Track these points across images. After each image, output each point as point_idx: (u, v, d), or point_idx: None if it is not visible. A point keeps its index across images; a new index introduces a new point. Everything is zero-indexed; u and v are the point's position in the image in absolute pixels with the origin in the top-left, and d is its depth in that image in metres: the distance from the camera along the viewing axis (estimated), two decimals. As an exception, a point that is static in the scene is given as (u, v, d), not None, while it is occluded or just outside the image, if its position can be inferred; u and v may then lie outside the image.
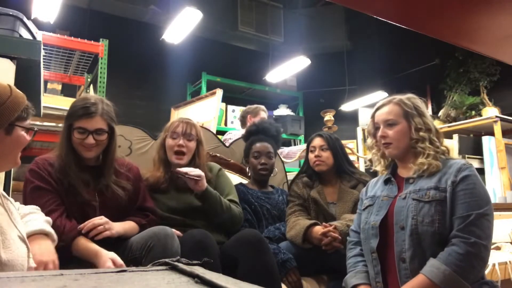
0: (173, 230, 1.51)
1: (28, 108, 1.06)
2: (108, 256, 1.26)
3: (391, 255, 1.31)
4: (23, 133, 1.05)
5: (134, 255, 1.33)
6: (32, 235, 1.10)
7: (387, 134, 1.41)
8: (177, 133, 1.76)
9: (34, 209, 1.23)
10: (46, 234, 1.14)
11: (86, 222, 1.34)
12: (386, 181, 1.46)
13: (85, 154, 1.46)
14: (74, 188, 1.41)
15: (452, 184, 1.26)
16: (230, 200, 1.78)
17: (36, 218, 1.17)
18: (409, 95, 1.45)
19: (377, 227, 1.34)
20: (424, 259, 1.23)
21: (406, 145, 1.39)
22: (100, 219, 1.36)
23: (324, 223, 1.69)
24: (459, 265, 1.16)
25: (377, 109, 1.47)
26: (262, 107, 3.27)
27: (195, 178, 1.63)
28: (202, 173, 1.67)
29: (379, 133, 1.43)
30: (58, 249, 1.17)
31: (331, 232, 1.63)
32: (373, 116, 1.48)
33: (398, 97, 1.44)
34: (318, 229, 1.66)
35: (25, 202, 1.32)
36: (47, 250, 1.10)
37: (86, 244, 1.31)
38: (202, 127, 2.29)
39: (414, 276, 1.22)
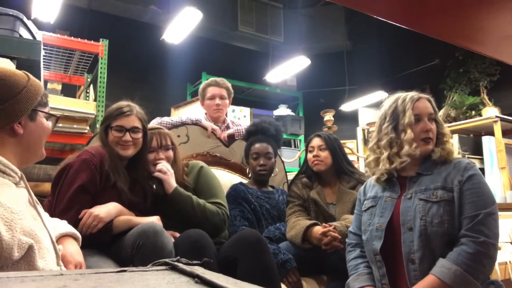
0: (170, 231, 1.50)
1: (46, 95, 1.07)
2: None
3: (398, 256, 1.30)
4: (45, 120, 1.05)
5: (126, 253, 1.34)
6: (64, 236, 1.16)
7: (431, 128, 1.36)
8: (154, 147, 1.70)
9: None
10: (75, 238, 1.19)
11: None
12: (387, 181, 1.44)
13: (122, 152, 1.53)
14: (116, 185, 1.48)
15: (459, 184, 1.26)
16: (214, 203, 1.70)
17: (63, 222, 1.22)
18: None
19: (382, 229, 1.33)
20: (433, 260, 1.22)
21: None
22: (88, 216, 1.37)
23: (323, 223, 1.69)
24: (470, 265, 1.16)
25: (416, 100, 1.38)
26: (209, 81, 2.46)
27: (157, 176, 1.64)
28: (168, 171, 1.65)
29: (426, 126, 1.35)
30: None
31: (331, 232, 1.63)
32: (412, 107, 1.36)
33: (421, 95, 1.42)
34: (318, 229, 1.66)
35: (63, 193, 1.39)
36: (79, 252, 1.16)
37: (122, 221, 1.43)
38: (202, 126, 2.29)
39: (423, 277, 1.21)
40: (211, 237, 1.56)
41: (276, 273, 1.53)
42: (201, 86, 2.48)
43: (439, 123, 1.40)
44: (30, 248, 0.86)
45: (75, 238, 1.19)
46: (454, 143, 1.40)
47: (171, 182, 1.63)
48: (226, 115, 2.53)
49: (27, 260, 0.85)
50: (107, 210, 1.41)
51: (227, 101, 2.43)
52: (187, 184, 1.73)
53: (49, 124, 1.07)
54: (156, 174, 1.63)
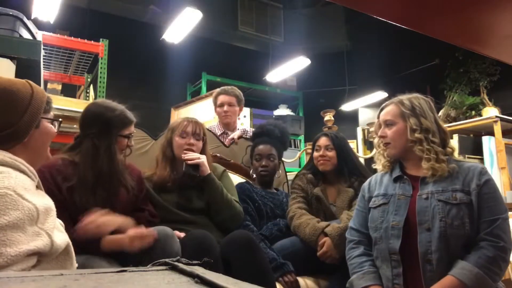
0: (175, 231, 1.51)
1: (49, 101, 1.07)
2: (129, 238, 1.28)
3: (413, 256, 1.29)
4: (49, 124, 1.06)
5: (134, 256, 1.33)
6: None
7: (386, 134, 1.44)
8: (187, 133, 1.79)
9: None
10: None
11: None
12: (396, 179, 1.44)
13: (120, 157, 1.51)
14: (93, 205, 1.37)
15: (477, 187, 1.28)
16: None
17: None
18: (413, 94, 1.45)
19: (400, 228, 1.32)
20: (450, 261, 1.23)
21: (403, 145, 1.40)
22: (91, 223, 1.30)
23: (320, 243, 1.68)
24: (490, 268, 1.18)
25: (382, 109, 1.49)
26: (219, 89, 2.66)
27: (195, 162, 1.72)
28: (202, 157, 1.75)
29: (379, 133, 1.46)
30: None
31: (327, 254, 1.64)
32: (378, 116, 1.51)
33: (400, 97, 1.45)
34: (322, 239, 1.67)
35: None
36: None
37: (109, 241, 1.32)
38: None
39: (440, 278, 1.22)
40: (224, 228, 1.71)
41: (270, 272, 1.54)
42: (213, 95, 2.66)
43: (409, 126, 1.38)
44: (68, 244, 0.95)
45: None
46: (444, 159, 1.35)
47: (207, 165, 1.76)
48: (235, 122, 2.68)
49: (66, 253, 0.94)
50: (108, 223, 1.35)
51: (236, 108, 2.61)
52: (216, 177, 1.83)
53: (52, 127, 1.08)
54: (191, 162, 1.72)
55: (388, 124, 1.44)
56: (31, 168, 0.96)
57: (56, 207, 1.30)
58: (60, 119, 1.11)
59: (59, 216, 1.29)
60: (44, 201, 0.92)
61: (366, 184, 1.57)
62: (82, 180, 1.40)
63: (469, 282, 1.16)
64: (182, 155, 1.74)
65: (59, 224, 0.98)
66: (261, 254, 1.53)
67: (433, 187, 1.33)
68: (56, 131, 1.09)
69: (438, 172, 1.32)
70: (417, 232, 1.29)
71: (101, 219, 1.33)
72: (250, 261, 1.47)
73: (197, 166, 1.73)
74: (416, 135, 1.36)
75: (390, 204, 1.39)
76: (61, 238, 0.93)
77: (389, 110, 1.45)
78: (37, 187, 1.00)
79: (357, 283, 1.37)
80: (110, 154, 1.44)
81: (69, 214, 1.35)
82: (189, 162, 1.72)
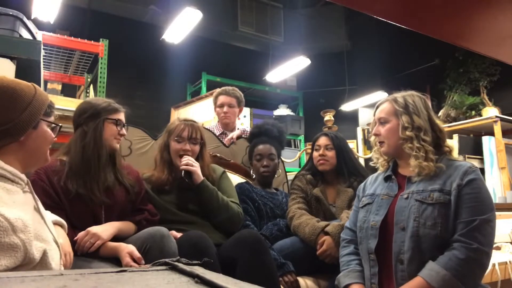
0: (172, 231, 1.51)
1: (51, 106, 1.07)
2: (126, 251, 1.31)
3: (389, 256, 1.29)
4: (48, 129, 1.06)
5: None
6: (54, 225, 1.15)
7: (380, 132, 1.42)
8: (183, 137, 1.75)
9: None
10: (61, 226, 1.20)
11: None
12: (386, 179, 1.44)
13: (115, 145, 1.54)
14: (83, 190, 1.40)
15: (457, 187, 1.23)
16: (233, 202, 1.78)
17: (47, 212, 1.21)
18: (409, 92, 1.43)
19: (377, 228, 1.32)
20: (422, 262, 1.21)
21: (395, 143, 1.37)
22: (85, 234, 1.33)
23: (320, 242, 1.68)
24: (459, 271, 1.14)
25: (377, 107, 1.48)
26: (220, 89, 2.66)
27: (187, 169, 1.69)
28: (196, 164, 1.72)
29: (373, 131, 1.45)
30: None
31: (327, 252, 1.64)
32: (374, 114, 1.49)
33: (395, 95, 1.43)
34: (321, 237, 1.67)
35: None
36: (68, 242, 1.17)
37: (105, 245, 1.36)
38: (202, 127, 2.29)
39: (410, 278, 1.20)
40: (226, 232, 1.69)
41: (276, 273, 1.53)
42: (214, 95, 2.66)
43: (401, 124, 1.36)
44: (44, 253, 0.90)
45: (61, 226, 1.19)
46: (433, 158, 1.31)
47: (200, 173, 1.72)
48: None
49: (42, 264, 0.90)
50: (104, 229, 1.38)
51: (236, 109, 2.60)
52: (214, 181, 1.82)
53: (51, 132, 1.07)
54: (184, 167, 1.69)
55: (382, 122, 1.42)
56: (15, 172, 0.94)
57: (53, 208, 1.31)
58: (60, 125, 1.11)
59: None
60: (17, 213, 0.87)
61: (362, 184, 1.57)
62: (71, 166, 1.42)
63: (436, 284, 1.13)
64: (178, 161, 1.73)
65: (39, 233, 0.93)
66: (269, 256, 1.52)
67: (416, 187, 1.31)
68: (54, 136, 1.08)
69: (425, 171, 1.29)
70: (394, 232, 1.28)
71: (94, 229, 1.35)
72: (258, 262, 1.46)
73: (190, 173, 1.71)
74: (407, 133, 1.33)
75: (374, 204, 1.39)
76: (38, 248, 0.88)
77: (383, 108, 1.43)
78: (26, 190, 0.98)
79: (342, 281, 1.38)
80: (95, 136, 1.47)
81: (66, 215, 1.35)
82: (182, 167, 1.69)
